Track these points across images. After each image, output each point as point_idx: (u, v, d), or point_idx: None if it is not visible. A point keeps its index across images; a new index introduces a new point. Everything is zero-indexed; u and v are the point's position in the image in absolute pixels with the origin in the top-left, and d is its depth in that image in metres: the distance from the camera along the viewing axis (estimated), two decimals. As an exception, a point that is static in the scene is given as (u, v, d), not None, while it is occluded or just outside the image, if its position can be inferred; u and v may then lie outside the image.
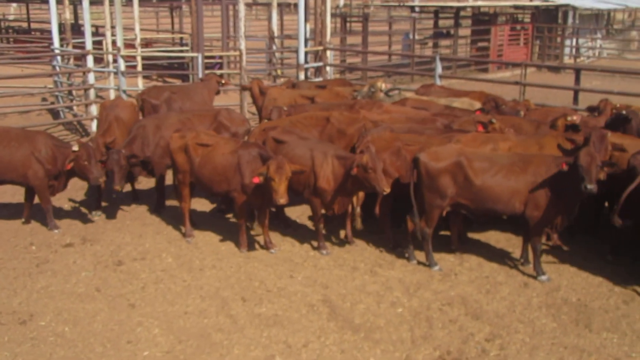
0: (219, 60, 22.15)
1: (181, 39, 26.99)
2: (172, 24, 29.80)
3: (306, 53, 18.03)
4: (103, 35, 19.87)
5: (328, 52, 18.47)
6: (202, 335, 7.19)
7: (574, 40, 30.40)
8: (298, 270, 8.76)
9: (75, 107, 17.74)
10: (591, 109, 11.39)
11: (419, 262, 8.92)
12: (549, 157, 8.37)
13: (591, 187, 7.70)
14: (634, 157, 8.36)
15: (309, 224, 10.24)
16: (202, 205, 11.11)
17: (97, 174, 9.66)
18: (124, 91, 16.14)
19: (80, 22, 27.24)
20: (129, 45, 20.04)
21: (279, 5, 26.48)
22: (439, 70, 16.91)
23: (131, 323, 7.42)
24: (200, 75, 15.63)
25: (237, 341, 7.07)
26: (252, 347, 6.97)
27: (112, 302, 7.88)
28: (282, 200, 8.51)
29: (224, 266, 8.85)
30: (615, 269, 8.73)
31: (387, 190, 8.43)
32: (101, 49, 19.36)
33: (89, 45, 17.21)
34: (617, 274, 8.61)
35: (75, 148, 9.66)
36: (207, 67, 18.69)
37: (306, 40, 18.54)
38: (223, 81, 14.15)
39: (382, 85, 12.61)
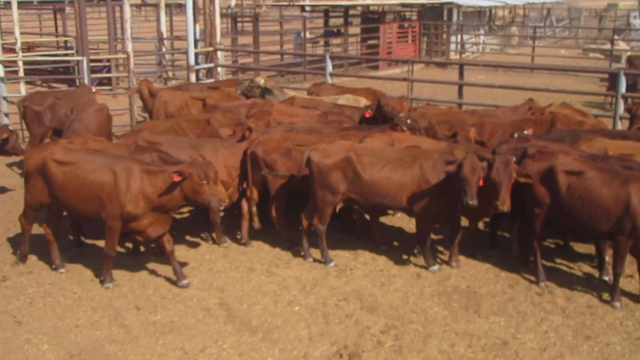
0: (107, 64, 21.51)
1: (66, 42, 25.99)
2: (56, 26, 28.62)
3: (197, 54, 17.83)
4: (-21, 39, 18.91)
5: (219, 53, 18.32)
6: (95, 348, 6.96)
7: (459, 37, 31.49)
8: (193, 274, 8.64)
9: (-49, 117, 16.75)
10: None
11: (315, 260, 9.00)
12: (435, 153, 8.58)
13: (472, 202, 7.78)
14: (499, 146, 8.81)
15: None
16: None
17: None
18: (5, 98, 15.41)
19: (-46, 26, 25.74)
20: (9, 49, 19.18)
21: (168, 6, 26.05)
22: (330, 68, 17.10)
23: (18, 341, 7.10)
24: (86, 80, 15.13)
25: (132, 351, 6.90)
26: (148, 356, 6.82)
27: (-4, 320, 7.52)
28: (228, 200, 8.32)
29: (116, 275, 8.60)
30: (501, 255, 9.13)
31: None
32: (-22, 54, 18.39)
33: (-36, 51, 16.34)
34: (502, 260, 9.00)
35: None
36: (93, 70, 18.15)
37: (196, 42, 18.34)
38: (94, 90, 13.81)
39: (261, 81, 12.65)
